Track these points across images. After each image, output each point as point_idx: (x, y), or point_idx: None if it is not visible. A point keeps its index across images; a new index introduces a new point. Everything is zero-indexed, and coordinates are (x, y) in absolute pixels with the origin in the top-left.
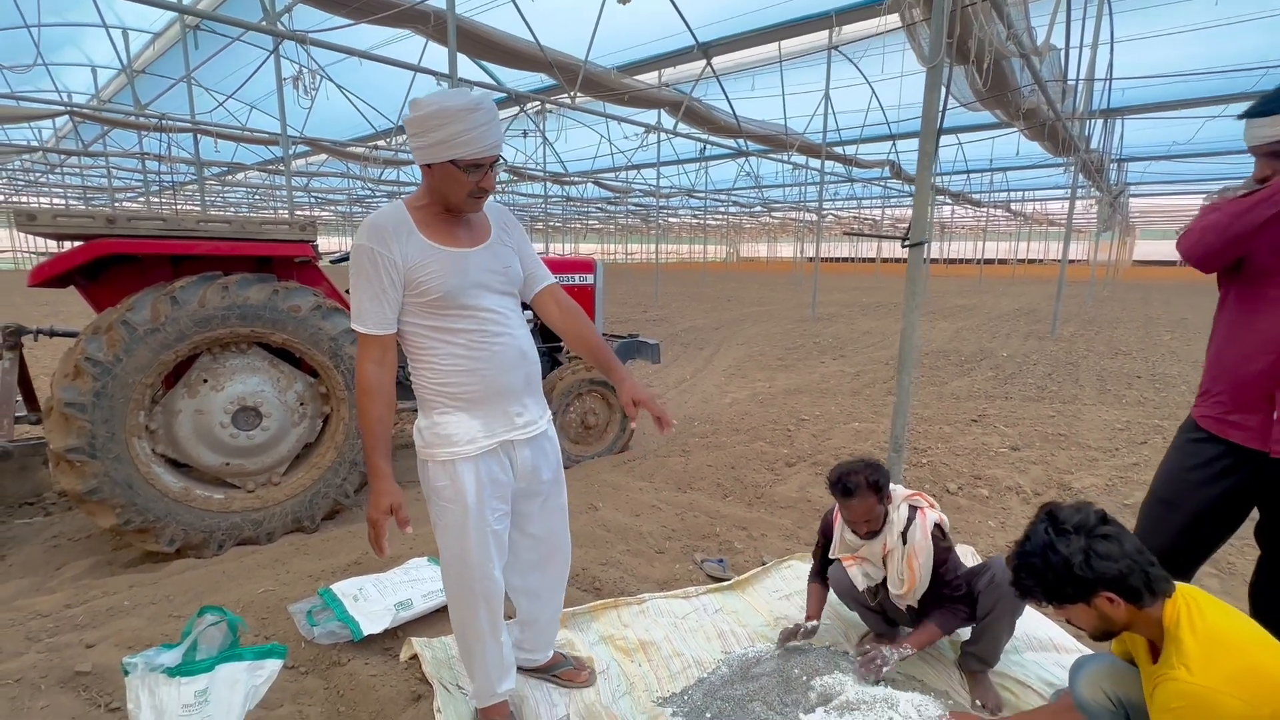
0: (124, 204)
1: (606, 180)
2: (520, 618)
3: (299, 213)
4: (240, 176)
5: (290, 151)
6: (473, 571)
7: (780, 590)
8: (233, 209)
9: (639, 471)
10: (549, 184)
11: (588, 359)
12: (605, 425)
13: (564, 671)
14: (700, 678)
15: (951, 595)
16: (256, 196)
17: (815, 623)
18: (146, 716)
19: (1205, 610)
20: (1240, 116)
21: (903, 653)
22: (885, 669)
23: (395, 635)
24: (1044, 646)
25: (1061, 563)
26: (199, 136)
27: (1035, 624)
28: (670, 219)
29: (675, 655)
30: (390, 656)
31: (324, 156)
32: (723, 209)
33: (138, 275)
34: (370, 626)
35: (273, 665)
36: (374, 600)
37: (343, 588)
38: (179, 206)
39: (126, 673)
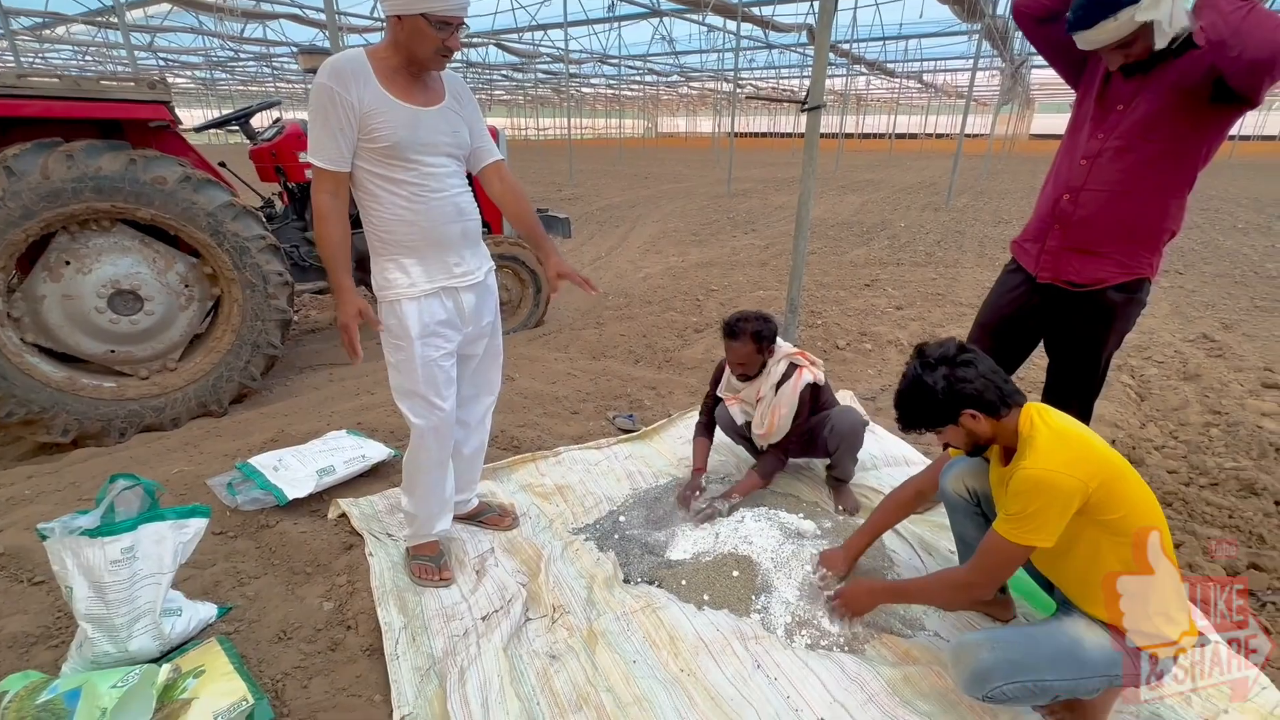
0: None
1: (510, 43)
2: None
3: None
4: (63, 32)
5: None
6: (419, 402)
7: (684, 437)
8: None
9: (554, 344)
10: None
11: (523, 234)
12: (519, 301)
13: (489, 517)
14: (610, 510)
15: (807, 444)
16: (87, 57)
17: (704, 474)
18: (74, 576)
19: (1050, 416)
20: (1067, 32)
21: (732, 502)
22: (717, 517)
23: (321, 499)
24: (897, 462)
25: (929, 391)
26: None
27: (891, 444)
28: (583, 89)
29: (588, 494)
30: (318, 517)
31: (168, 7)
32: (638, 78)
33: None
34: (294, 491)
35: (198, 524)
36: (295, 469)
37: (261, 460)
38: None
39: (44, 537)
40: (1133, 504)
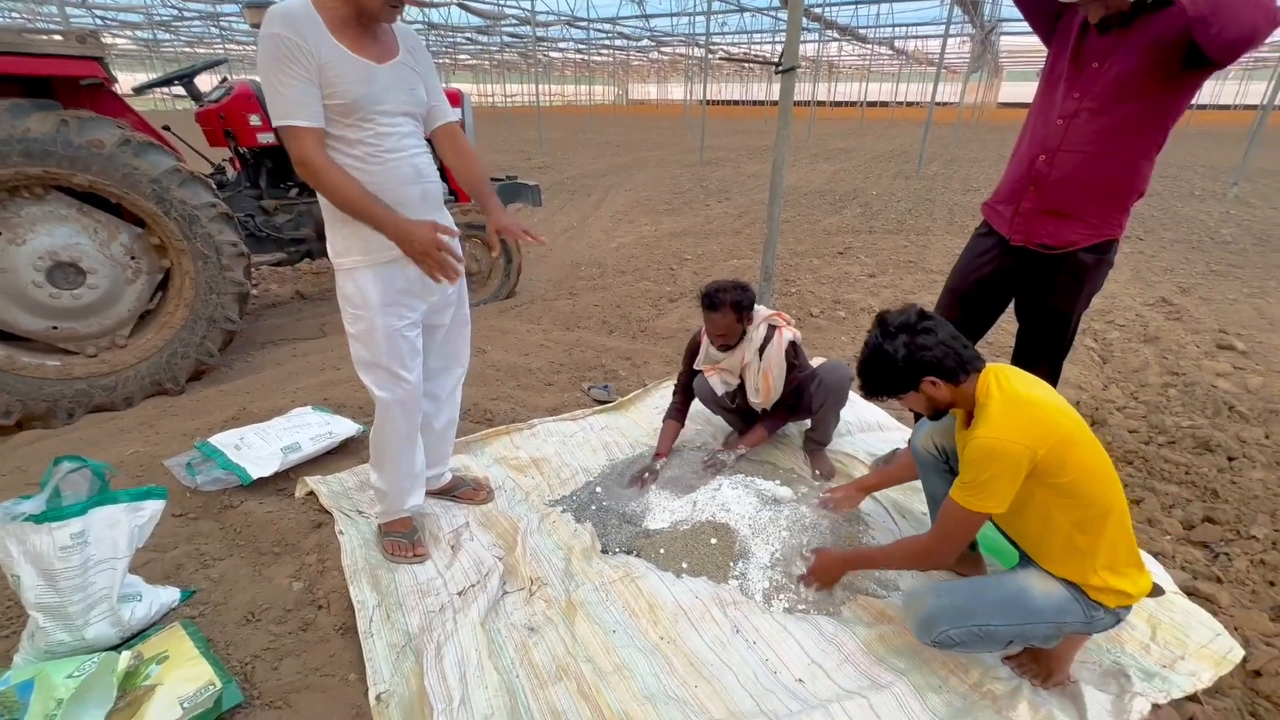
0: None
1: (474, 3)
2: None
3: None
4: None
5: None
6: (383, 374)
7: (659, 406)
8: None
9: (526, 315)
10: (407, 5)
11: (471, 194)
12: (489, 272)
13: (463, 491)
14: (587, 481)
15: (794, 403)
16: (13, 15)
17: (663, 460)
18: (21, 563)
19: (1009, 380)
20: None
21: (738, 452)
22: (725, 467)
23: (287, 477)
24: (870, 427)
25: (889, 359)
26: None
27: (864, 410)
28: (551, 54)
29: (564, 466)
30: (285, 496)
31: None
32: (607, 41)
33: None
34: (259, 470)
35: (154, 506)
36: (258, 447)
37: (221, 439)
38: None
39: None
40: (1083, 467)
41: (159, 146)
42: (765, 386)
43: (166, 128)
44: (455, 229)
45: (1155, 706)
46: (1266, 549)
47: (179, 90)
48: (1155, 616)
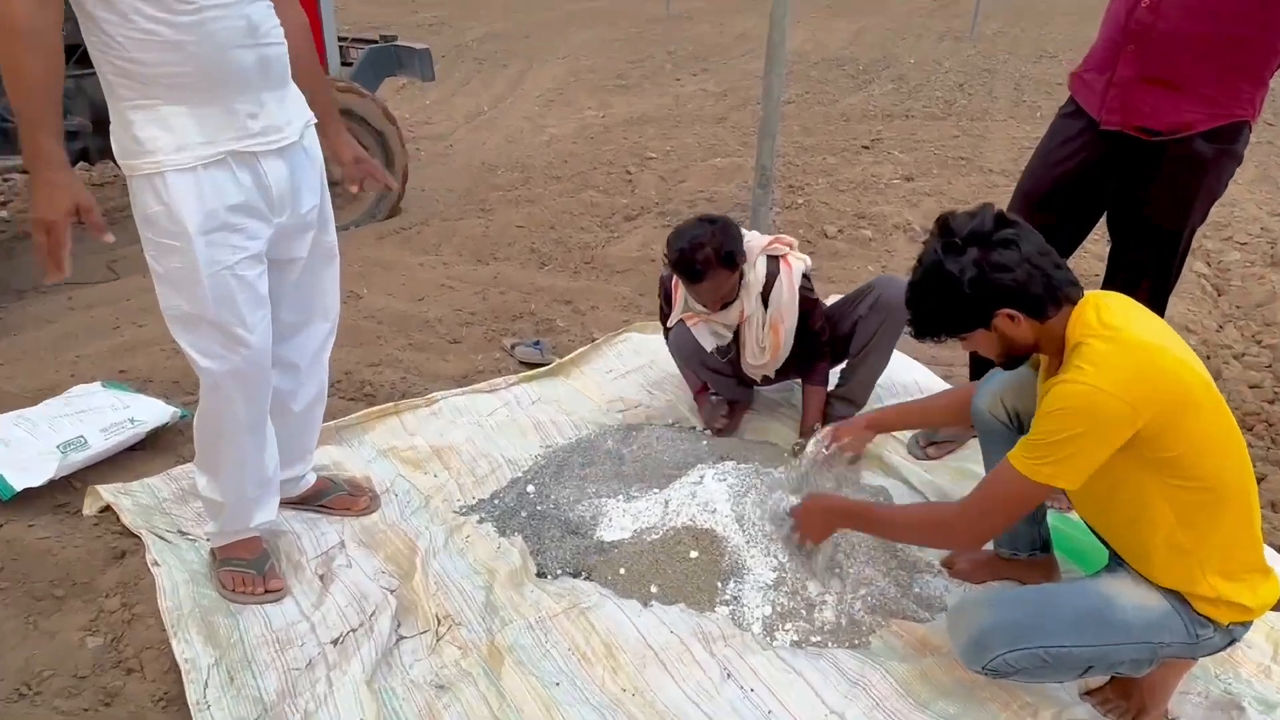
0: None
1: None
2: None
3: None
4: None
5: None
6: (211, 334)
7: (615, 369)
8: None
9: (419, 242)
10: None
11: (308, 99)
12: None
13: (335, 499)
14: (513, 478)
15: (816, 346)
16: None
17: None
18: None
19: (1115, 314)
20: None
21: (822, 444)
22: (839, 466)
23: (69, 487)
24: (908, 391)
25: (953, 282)
26: None
27: (900, 368)
28: None
29: (481, 457)
30: (67, 514)
31: None
32: None
33: None
34: (25, 479)
35: None
36: (21, 445)
37: None
38: None
39: None
40: (1197, 438)
41: None
42: (774, 342)
43: None
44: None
45: None
46: None
47: None
48: (1278, 632)
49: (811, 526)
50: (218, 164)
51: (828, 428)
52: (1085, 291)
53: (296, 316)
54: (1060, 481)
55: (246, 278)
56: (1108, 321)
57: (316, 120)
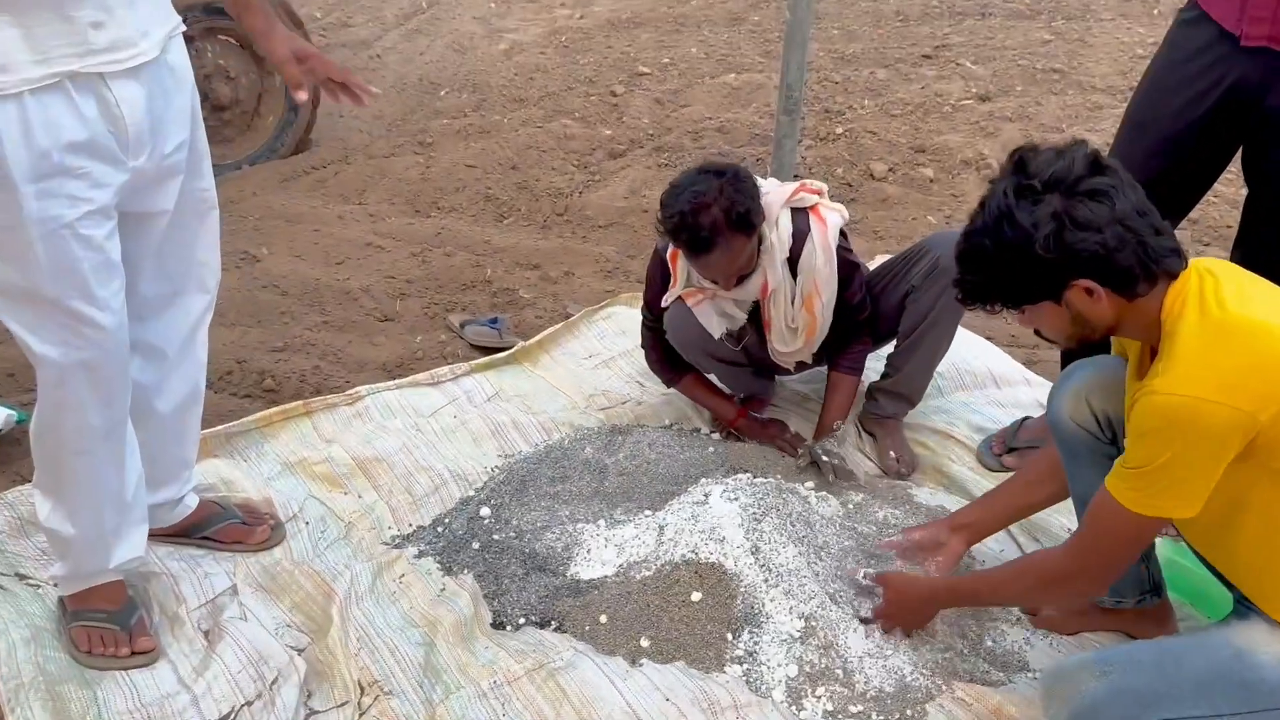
0: None
1: None
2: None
3: None
4: None
5: None
6: (51, 315)
7: (597, 353)
8: None
9: (336, 187)
10: None
11: None
12: (254, 102)
13: (223, 529)
14: (463, 498)
15: (854, 324)
16: None
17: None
18: None
19: (1223, 287)
20: None
21: (840, 442)
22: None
23: None
24: (979, 382)
25: (1023, 237)
26: None
27: (968, 351)
28: None
29: (420, 471)
30: None
31: None
32: None
33: None
34: None
35: None
36: None
37: None
38: None
39: None
40: None
41: None
42: (809, 321)
43: None
44: None
45: None
46: None
47: None
48: None
49: (908, 618)
50: (51, 89)
51: (903, 534)
52: (1188, 263)
53: (162, 288)
54: (1178, 512)
55: (93, 238)
56: (1208, 299)
57: (246, 20)
